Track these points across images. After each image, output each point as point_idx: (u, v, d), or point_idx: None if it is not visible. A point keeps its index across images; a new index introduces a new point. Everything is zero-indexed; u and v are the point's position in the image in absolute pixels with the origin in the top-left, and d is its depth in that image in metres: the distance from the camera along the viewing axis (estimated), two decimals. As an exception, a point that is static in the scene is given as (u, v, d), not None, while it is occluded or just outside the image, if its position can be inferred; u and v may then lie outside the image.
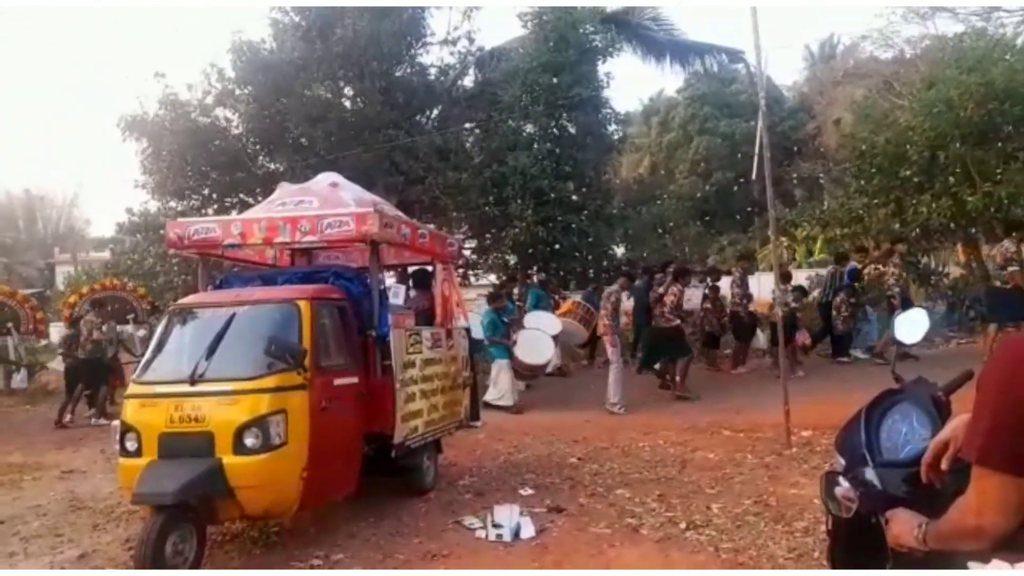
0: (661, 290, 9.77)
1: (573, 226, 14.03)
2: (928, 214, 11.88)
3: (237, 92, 14.23)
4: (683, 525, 4.80)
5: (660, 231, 16.35)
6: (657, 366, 10.43)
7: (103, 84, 76.86)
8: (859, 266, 12.03)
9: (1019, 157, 11.37)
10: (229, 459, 4.26)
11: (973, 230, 12.16)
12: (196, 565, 4.22)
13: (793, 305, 11.03)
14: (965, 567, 1.67)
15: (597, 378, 11.16)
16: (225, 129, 14.41)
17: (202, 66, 14.56)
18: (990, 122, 11.82)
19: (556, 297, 12.93)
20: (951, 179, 11.88)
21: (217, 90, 14.05)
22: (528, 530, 4.78)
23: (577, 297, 12.88)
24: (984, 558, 1.61)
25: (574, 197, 14.32)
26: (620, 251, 16.27)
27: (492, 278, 15.62)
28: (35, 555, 4.95)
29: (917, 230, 12.40)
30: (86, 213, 43.99)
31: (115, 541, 5.10)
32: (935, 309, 10.94)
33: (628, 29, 17.79)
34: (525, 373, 10.29)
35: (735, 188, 24.17)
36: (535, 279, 13.79)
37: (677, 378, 9.96)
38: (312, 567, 4.43)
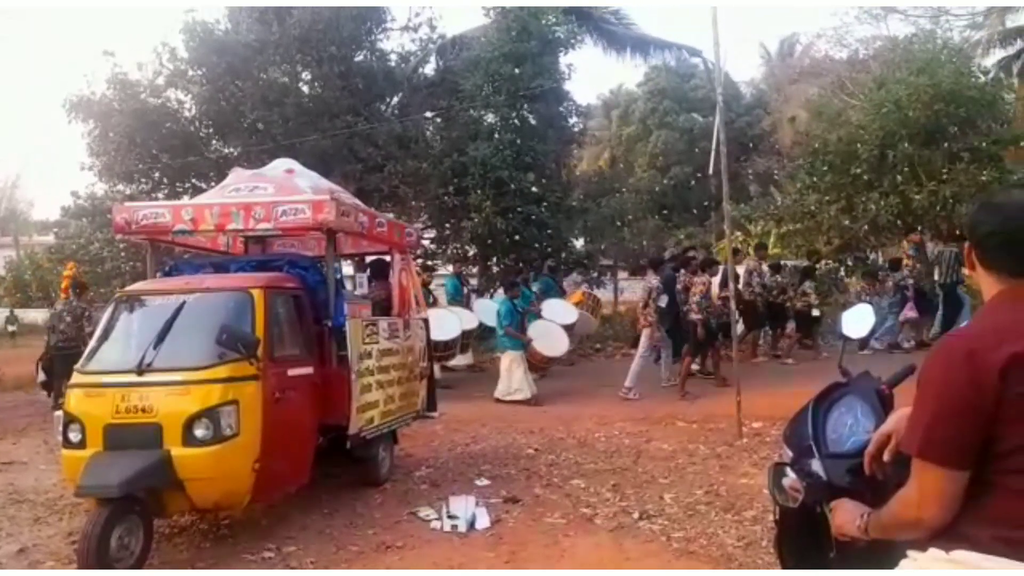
0: (686, 281, 9.57)
1: (533, 217, 14.05)
2: (876, 211, 12.23)
3: (190, 73, 13.83)
4: (636, 515, 4.86)
5: (619, 224, 16.46)
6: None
7: (48, 62, 74.02)
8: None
9: (963, 158, 11.78)
10: (178, 451, 4.16)
11: (919, 228, 12.54)
12: (142, 559, 4.12)
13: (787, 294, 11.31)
14: (904, 555, 1.73)
15: (563, 370, 11.28)
16: (177, 111, 14.00)
17: (153, 45, 14.05)
18: (936, 123, 12.22)
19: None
20: (899, 177, 12.26)
21: (169, 71, 13.62)
22: (483, 520, 4.79)
23: (584, 287, 12.82)
24: (922, 547, 1.66)
25: (534, 188, 14.33)
26: (580, 243, 16.35)
27: (450, 268, 15.54)
28: (-29, 549, 4.77)
29: (865, 227, 12.75)
30: (29, 195, 42.29)
31: (57, 535, 4.95)
32: (882, 303, 11.22)
33: (590, 22, 17.87)
34: (540, 364, 10.09)
35: (692, 182, 24.50)
36: (545, 267, 13.59)
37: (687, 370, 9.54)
38: (264, 560, 4.37)
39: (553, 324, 10.33)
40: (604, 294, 17.15)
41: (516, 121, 14.77)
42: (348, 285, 6.90)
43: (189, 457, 4.17)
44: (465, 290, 13.25)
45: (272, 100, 13.48)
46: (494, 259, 15.29)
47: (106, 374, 4.44)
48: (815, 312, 11.34)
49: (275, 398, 4.60)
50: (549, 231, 14.51)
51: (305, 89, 14.76)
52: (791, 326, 11.78)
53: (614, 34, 18.99)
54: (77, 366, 4.61)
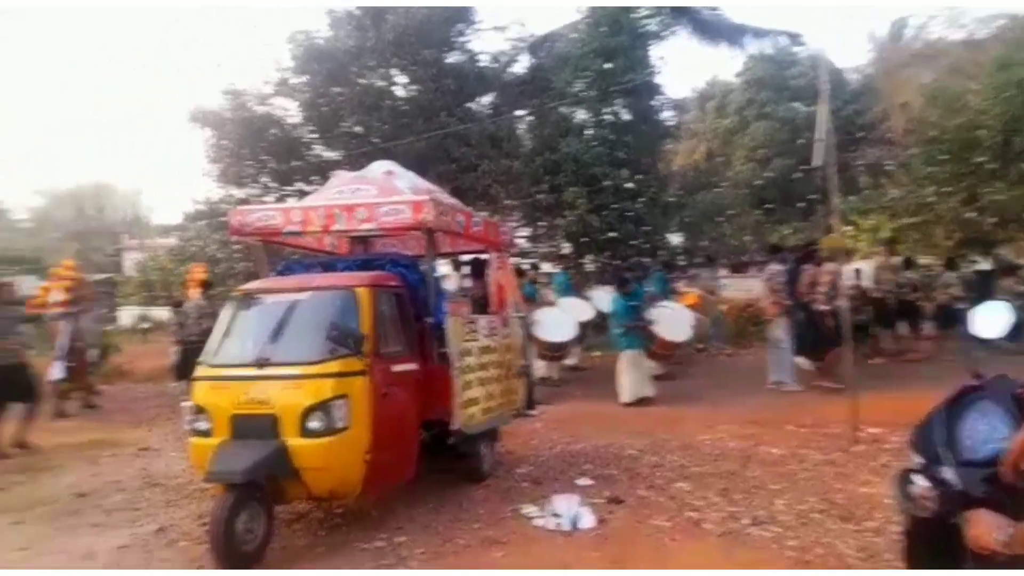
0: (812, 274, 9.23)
1: (629, 213, 13.88)
2: (1003, 202, 11.37)
3: (293, 81, 14.48)
4: (746, 521, 4.71)
5: (717, 219, 16.03)
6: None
7: (170, 76, 79.24)
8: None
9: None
10: (295, 441, 4.37)
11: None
12: (265, 543, 4.35)
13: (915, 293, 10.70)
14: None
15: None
16: (282, 118, 14.69)
17: (261, 57, 14.82)
18: (1067, 106, 11.25)
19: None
20: (1027, 166, 11.36)
21: (275, 79, 14.33)
22: (587, 520, 4.77)
23: (696, 289, 12.55)
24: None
25: (629, 184, 14.15)
26: (676, 239, 16.04)
27: (548, 267, 15.60)
28: (116, 526, 5.18)
29: (992, 219, 11.88)
30: (151, 201, 45.47)
31: (188, 516, 5.30)
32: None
33: (683, 13, 17.47)
34: (663, 353, 9.80)
35: (796, 175, 23.47)
36: (658, 263, 13.22)
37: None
38: (376, 549, 4.51)
39: (675, 308, 9.90)
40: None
41: (609, 116, 14.66)
42: (448, 283, 7.04)
43: (305, 447, 4.37)
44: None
45: (369, 104, 13.93)
46: (588, 256, 15.22)
47: (229, 367, 4.70)
48: (960, 305, 10.27)
49: (382, 393, 4.73)
50: (645, 227, 14.30)
51: (400, 92, 15.16)
52: (927, 325, 11.02)
53: (708, 24, 18.46)
54: (201, 359, 4.91)
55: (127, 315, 23.55)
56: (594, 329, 11.60)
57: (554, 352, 10.20)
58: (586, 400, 9.56)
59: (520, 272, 10.77)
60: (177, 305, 11.99)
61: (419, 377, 5.26)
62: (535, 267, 12.87)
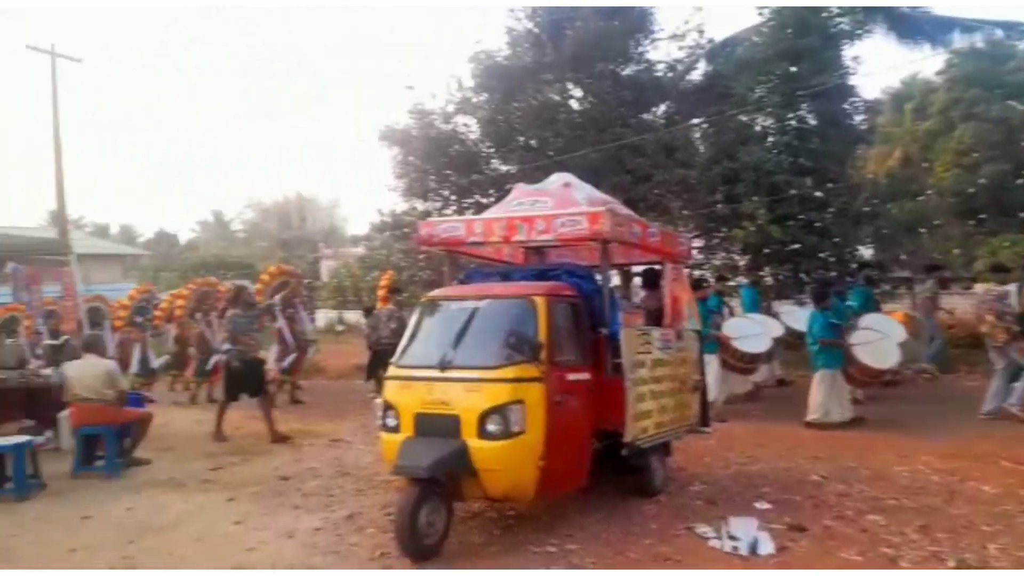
0: None
1: (817, 224, 13.04)
2: None
3: (474, 99, 15.16)
4: (952, 563, 4.27)
5: (917, 230, 14.61)
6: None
7: (365, 96, 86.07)
8: None
9: None
10: (474, 442, 4.57)
11: None
12: (444, 537, 4.59)
13: None
14: None
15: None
16: (463, 135, 15.42)
17: (444, 77, 15.71)
18: None
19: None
20: None
21: (457, 98, 15.09)
22: (767, 546, 4.55)
23: (905, 308, 11.56)
24: None
25: (817, 193, 13.29)
26: (868, 252, 14.84)
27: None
28: (313, 510, 5.71)
29: None
30: (345, 212, 49.61)
31: (375, 506, 5.72)
32: None
33: (879, 9, 16.16)
34: (864, 379, 8.97)
35: (1015, 181, 20.82)
36: (861, 277, 11.82)
37: None
38: (547, 553, 4.60)
39: (881, 335, 8.94)
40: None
41: (793, 122, 13.88)
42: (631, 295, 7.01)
43: (482, 449, 4.56)
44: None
45: (545, 118, 14.24)
46: (767, 269, 14.49)
47: (415, 368, 5.01)
48: None
49: (556, 400, 4.82)
50: (835, 239, 13.37)
51: (575, 105, 15.36)
52: None
53: (907, 19, 16.94)
54: (392, 360, 5.28)
55: (322, 317, 25.78)
56: (783, 347, 11.05)
57: (744, 364, 9.72)
58: (769, 419, 9.12)
59: (699, 284, 10.39)
60: (369, 311, 13.05)
61: (592, 387, 5.29)
62: (722, 278, 12.21)
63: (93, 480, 6.89)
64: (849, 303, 10.16)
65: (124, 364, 14.66)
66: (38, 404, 8.71)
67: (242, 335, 8.88)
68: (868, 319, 9.42)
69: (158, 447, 8.17)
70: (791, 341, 10.74)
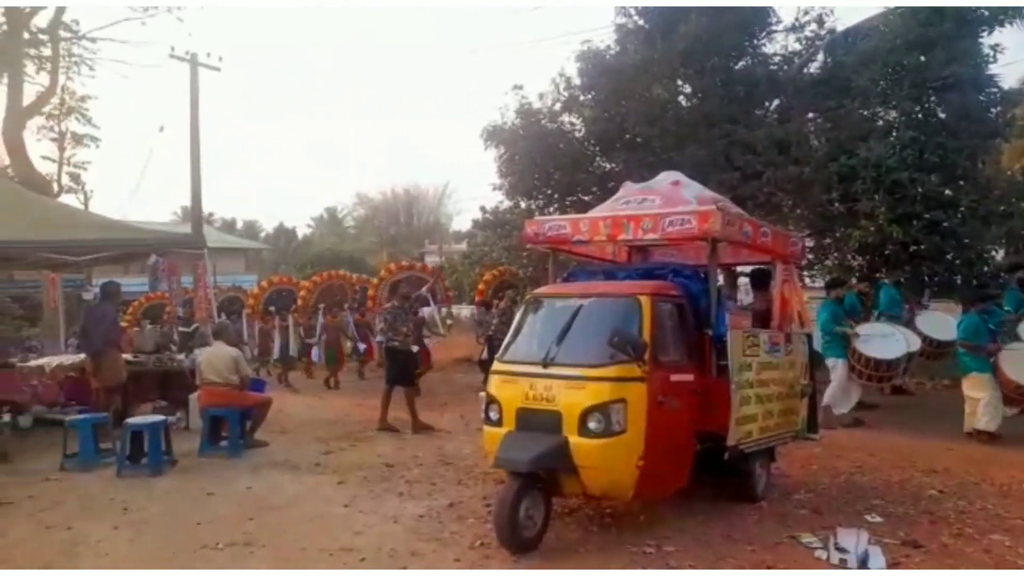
0: None
1: (944, 224, 12.22)
2: None
3: (581, 98, 15.18)
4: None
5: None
6: None
7: (471, 97, 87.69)
8: None
9: None
10: (575, 439, 4.60)
11: None
12: (543, 531, 4.65)
13: None
14: None
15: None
16: (569, 133, 15.46)
17: (552, 75, 15.76)
18: None
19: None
20: None
21: (564, 97, 15.15)
22: (877, 561, 4.34)
23: None
24: None
25: (947, 191, 12.45)
26: (1000, 254, 13.76)
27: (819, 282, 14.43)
28: (416, 497, 5.93)
29: None
30: (450, 210, 50.73)
31: (475, 497, 5.87)
32: None
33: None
34: (1014, 396, 8.12)
35: None
36: (1015, 279, 10.25)
37: None
38: (644, 554, 4.58)
39: None
40: None
41: (919, 116, 13.06)
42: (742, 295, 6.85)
43: (583, 446, 4.59)
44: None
45: (653, 116, 14.05)
46: (882, 271, 13.72)
47: (519, 364, 5.09)
48: None
49: (658, 401, 4.79)
50: (966, 240, 12.49)
51: (684, 102, 15.07)
52: None
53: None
54: (497, 355, 5.40)
55: (427, 311, 26.47)
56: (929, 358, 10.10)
57: (877, 372, 9.00)
58: (885, 429, 8.66)
59: (837, 282, 9.95)
60: (486, 306, 13.47)
61: (696, 388, 5.22)
62: (864, 278, 11.40)
63: (217, 459, 7.43)
64: (1005, 307, 9.20)
65: (264, 351, 15.72)
66: (171, 386, 9.49)
67: (399, 326, 9.28)
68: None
69: (275, 430, 8.69)
70: (930, 351, 9.77)
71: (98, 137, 21.18)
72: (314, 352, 15.16)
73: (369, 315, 16.03)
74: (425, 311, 14.57)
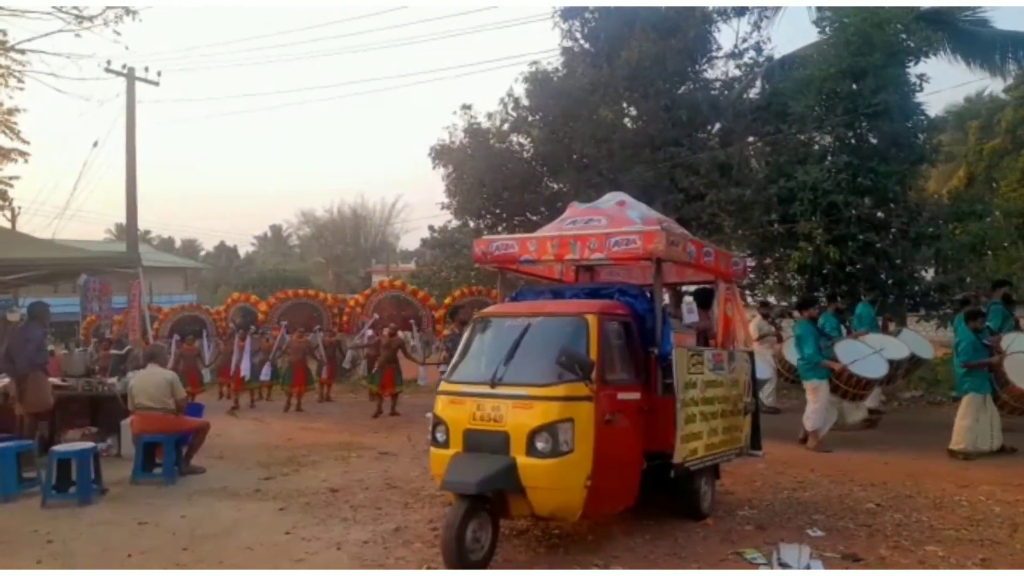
0: None
1: (878, 246, 12.71)
2: None
3: (530, 119, 15.31)
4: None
5: (982, 253, 14.09)
6: None
7: (415, 117, 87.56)
8: None
9: None
10: (522, 459, 4.56)
11: None
12: (490, 553, 4.58)
13: None
14: None
15: (907, 419, 10.04)
16: (518, 153, 15.57)
17: (500, 96, 15.86)
18: None
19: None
20: None
21: (513, 118, 15.26)
22: (820, 574, 4.42)
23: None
24: None
25: (879, 214, 12.97)
26: (929, 274, 14.37)
27: (771, 299, 14.82)
28: (361, 522, 5.77)
29: None
30: (398, 229, 50.33)
31: (422, 520, 5.75)
32: None
33: (946, 27, 15.74)
34: (1014, 405, 8.23)
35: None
36: (999, 293, 10.20)
37: None
38: (592, 574, 4.55)
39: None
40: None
41: (852, 141, 13.61)
42: (687, 314, 6.94)
43: (531, 467, 4.54)
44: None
45: (600, 137, 14.27)
46: (820, 290, 14.17)
47: (466, 384, 5.04)
48: None
49: (605, 419, 4.79)
50: (898, 260, 13.00)
51: (629, 124, 15.36)
52: None
53: (974, 36, 16.45)
54: (443, 376, 5.33)
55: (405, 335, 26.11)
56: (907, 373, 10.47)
57: (856, 389, 9.13)
58: (841, 445, 8.83)
59: (809, 301, 9.77)
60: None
61: (643, 407, 5.25)
62: (836, 296, 11.30)
63: (151, 486, 7.11)
64: (988, 323, 9.21)
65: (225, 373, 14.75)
66: (102, 411, 9.07)
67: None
68: (1012, 339, 8.58)
69: (213, 456, 8.39)
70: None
71: (27, 152, 20.27)
72: (265, 371, 14.38)
73: (342, 335, 15.50)
74: (403, 334, 14.26)
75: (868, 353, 9.16)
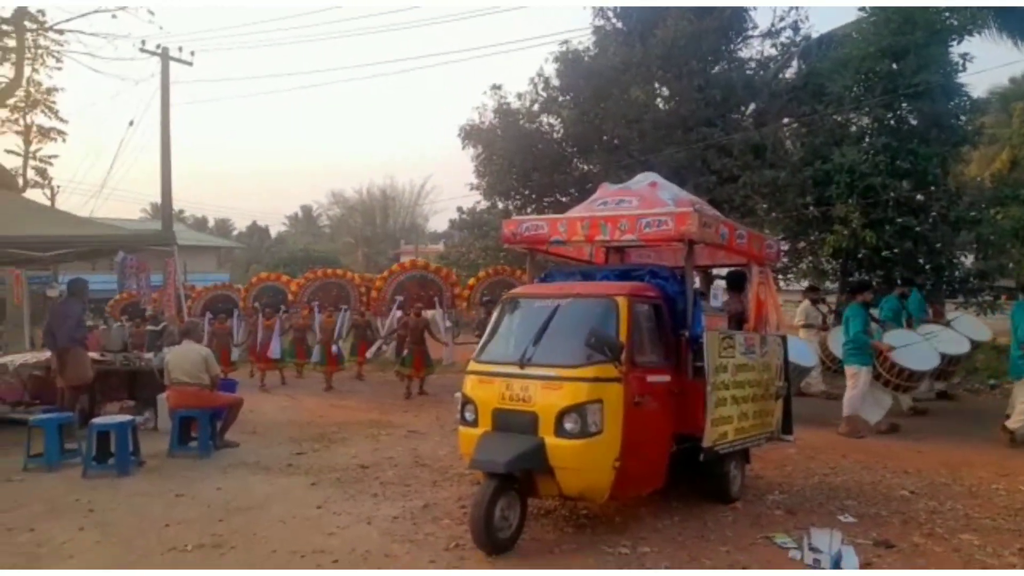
0: None
1: (916, 230, 12.41)
2: None
3: (560, 99, 15.16)
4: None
5: (1025, 238, 13.68)
6: None
7: (445, 98, 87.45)
8: None
9: None
10: (551, 440, 4.58)
11: None
12: (518, 532, 4.62)
13: None
14: None
15: (943, 407, 9.83)
16: (547, 133, 15.45)
17: (531, 76, 15.75)
18: None
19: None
20: None
21: (543, 98, 15.13)
22: (851, 561, 4.37)
23: None
24: None
25: (918, 197, 12.64)
26: (969, 260, 14.01)
27: (804, 283, 14.61)
28: (390, 498, 5.85)
29: None
30: (426, 210, 50.40)
31: (450, 498, 5.81)
32: None
33: (992, 3, 15.18)
34: None
35: None
36: None
37: None
38: (619, 555, 4.56)
39: None
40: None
41: (892, 122, 13.26)
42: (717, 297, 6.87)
43: (559, 447, 4.56)
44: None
45: (631, 118, 14.10)
46: (855, 275, 13.92)
47: (495, 364, 5.05)
48: None
49: (635, 401, 4.79)
50: (937, 245, 12.70)
51: (661, 104, 15.14)
52: None
53: (1019, 14, 15.84)
54: (473, 356, 5.35)
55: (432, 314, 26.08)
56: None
57: (905, 381, 8.89)
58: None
59: (863, 285, 9.38)
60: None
61: (672, 389, 5.23)
62: (906, 281, 10.86)
63: (187, 459, 7.28)
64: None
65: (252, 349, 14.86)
66: (140, 386, 9.30)
67: None
68: None
69: (246, 431, 8.56)
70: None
71: (65, 131, 20.65)
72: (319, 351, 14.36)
73: (370, 315, 15.48)
74: (430, 313, 14.24)
75: (917, 341, 8.92)
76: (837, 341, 9.55)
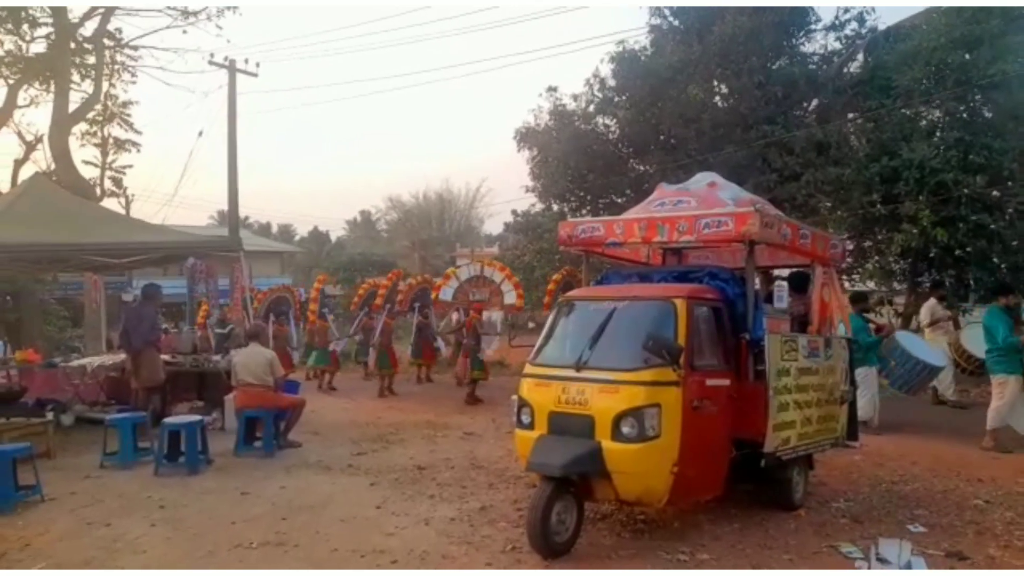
0: None
1: (991, 227, 11.86)
2: None
3: (616, 100, 15.06)
4: None
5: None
6: None
7: (500, 101, 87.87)
8: None
9: None
10: (607, 444, 4.54)
11: None
12: (575, 536, 4.60)
13: None
14: None
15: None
16: (603, 135, 15.37)
17: (586, 77, 15.70)
18: None
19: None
20: None
21: (598, 99, 15.06)
22: (922, 572, 4.21)
23: None
24: None
25: (993, 193, 12.08)
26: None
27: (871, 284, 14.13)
28: (448, 500, 5.91)
29: None
30: (481, 213, 50.67)
31: (506, 500, 5.83)
32: None
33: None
34: None
35: None
36: None
37: None
38: (678, 561, 4.50)
39: None
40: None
41: (964, 115, 12.71)
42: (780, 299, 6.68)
43: (616, 451, 4.52)
44: None
45: (689, 117, 13.90)
46: (925, 275, 13.40)
47: (551, 367, 5.05)
48: None
49: (693, 406, 4.71)
50: (1013, 243, 12.11)
51: (720, 103, 14.88)
52: None
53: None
54: (528, 359, 5.35)
55: (488, 315, 26.21)
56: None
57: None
58: (944, 438, 8.34)
59: (1005, 288, 8.63)
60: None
61: (732, 394, 5.12)
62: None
63: (252, 459, 7.50)
64: None
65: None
66: (208, 387, 9.63)
67: None
68: None
69: (308, 431, 8.77)
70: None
71: (139, 142, 21.59)
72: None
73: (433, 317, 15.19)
74: (486, 314, 14.26)
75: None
76: (972, 339, 8.99)
